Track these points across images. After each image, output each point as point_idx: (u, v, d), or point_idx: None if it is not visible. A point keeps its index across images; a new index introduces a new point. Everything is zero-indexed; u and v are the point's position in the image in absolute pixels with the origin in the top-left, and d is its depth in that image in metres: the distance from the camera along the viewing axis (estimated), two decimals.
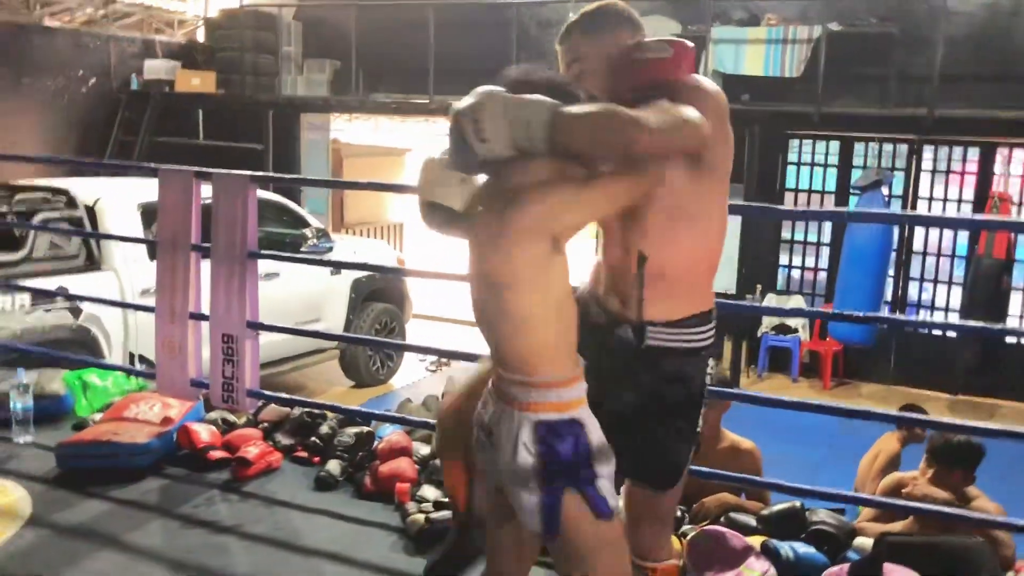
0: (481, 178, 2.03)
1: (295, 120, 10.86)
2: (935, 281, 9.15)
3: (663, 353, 2.07)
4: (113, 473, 3.56)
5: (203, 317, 3.72)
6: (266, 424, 3.96)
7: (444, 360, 9.15)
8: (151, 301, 5.55)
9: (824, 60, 8.33)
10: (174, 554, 3.04)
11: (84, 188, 6.06)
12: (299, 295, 7.13)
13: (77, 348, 5.66)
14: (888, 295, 9.05)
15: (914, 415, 4.35)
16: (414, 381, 8.60)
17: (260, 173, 3.65)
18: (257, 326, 3.62)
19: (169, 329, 3.74)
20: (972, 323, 6.36)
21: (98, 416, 4.07)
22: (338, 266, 6.32)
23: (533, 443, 1.80)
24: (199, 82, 10.81)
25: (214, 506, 3.40)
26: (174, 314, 3.72)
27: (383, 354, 8.32)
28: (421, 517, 3.15)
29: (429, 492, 3.33)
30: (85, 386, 4.35)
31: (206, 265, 3.72)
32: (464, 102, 1.84)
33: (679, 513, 3.10)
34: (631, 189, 1.93)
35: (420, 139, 13.03)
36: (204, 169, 3.69)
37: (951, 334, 9.13)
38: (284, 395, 3.88)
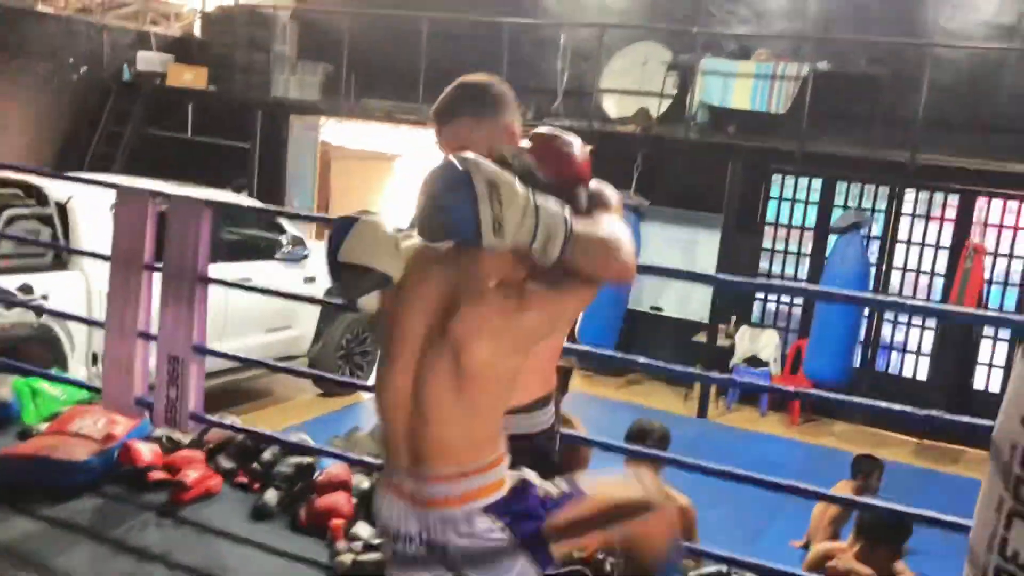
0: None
1: (284, 120, 10.85)
2: (908, 324, 9.18)
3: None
4: (50, 490, 3.54)
5: (152, 336, 3.71)
6: (211, 445, 3.95)
7: None
8: None
9: (811, 98, 8.36)
10: None
11: (57, 186, 6.03)
12: (270, 302, 7.11)
13: (39, 346, 5.64)
14: (862, 335, 9.08)
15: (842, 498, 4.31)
16: None
17: (217, 200, 3.64)
18: (203, 351, 3.61)
19: (118, 346, 3.73)
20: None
21: (44, 426, 4.06)
22: (283, 297, 6.25)
23: (495, 527, 1.77)
24: (191, 77, 10.79)
25: (147, 531, 3.38)
26: (123, 331, 3.72)
27: (353, 363, 8.31)
28: (348, 558, 3.14)
29: (363, 530, 3.33)
30: (35, 393, 4.33)
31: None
32: (481, 177, 1.66)
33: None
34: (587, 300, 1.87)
35: (409, 146, 13.02)
36: (160, 191, 3.68)
37: (921, 377, 9.17)
38: (225, 421, 3.87)
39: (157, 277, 3.68)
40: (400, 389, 1.82)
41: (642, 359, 3.40)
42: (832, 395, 3.33)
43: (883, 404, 3.03)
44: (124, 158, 10.41)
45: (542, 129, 2.01)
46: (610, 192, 2.00)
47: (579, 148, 1.95)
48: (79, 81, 10.58)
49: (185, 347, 3.56)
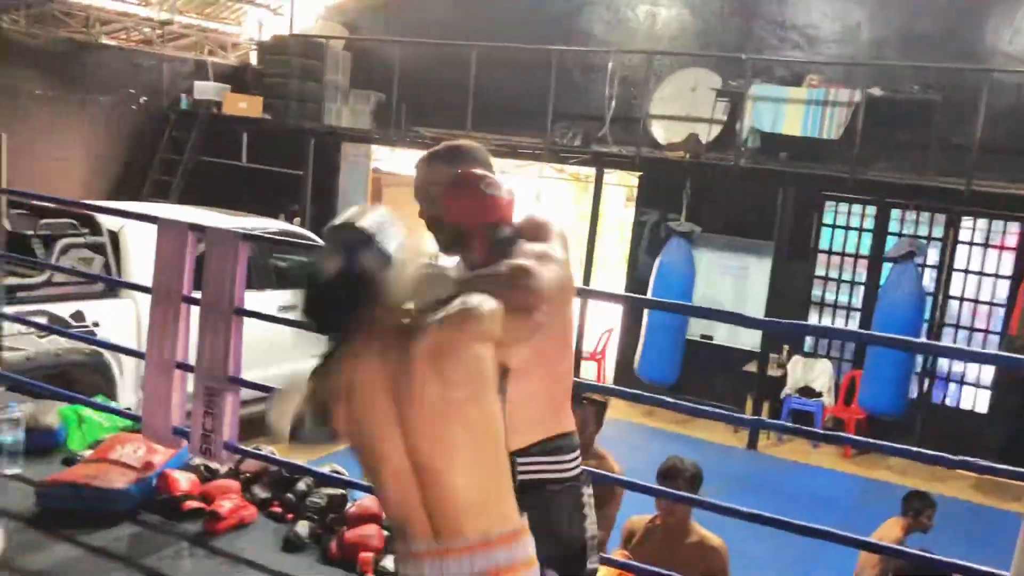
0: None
1: (336, 148, 11.01)
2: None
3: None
4: (89, 516, 3.61)
5: (190, 367, 3.77)
6: (247, 475, 3.99)
7: None
8: None
9: (864, 124, 8.22)
10: None
11: (113, 216, 6.18)
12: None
13: (90, 372, 5.77)
14: (918, 366, 8.85)
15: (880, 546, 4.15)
16: None
17: (252, 232, 3.69)
18: (239, 382, 3.66)
19: (156, 376, 3.80)
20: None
21: (88, 452, 4.14)
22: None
23: None
24: (246, 105, 11.03)
25: (181, 560, 3.42)
26: (162, 362, 3.78)
27: None
28: None
29: (392, 564, 3.32)
30: (80, 420, 4.43)
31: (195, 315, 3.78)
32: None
33: None
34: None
35: None
36: (198, 223, 3.75)
37: (980, 410, 8.89)
38: (262, 451, 3.91)
39: (195, 309, 3.74)
40: (402, 469, 1.73)
41: (687, 404, 3.37)
42: (883, 443, 3.21)
43: (933, 453, 2.95)
44: (180, 185, 10.66)
45: (474, 170, 2.06)
46: (540, 222, 2.07)
47: (503, 190, 2.04)
48: (139, 111, 10.89)
49: (221, 378, 3.61)
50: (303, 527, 3.59)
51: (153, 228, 6.12)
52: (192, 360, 3.75)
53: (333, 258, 1.76)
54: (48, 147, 9.52)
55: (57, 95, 9.94)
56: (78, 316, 5.70)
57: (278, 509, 3.80)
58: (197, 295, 3.78)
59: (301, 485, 3.82)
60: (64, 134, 9.94)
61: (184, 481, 3.82)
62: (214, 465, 4.00)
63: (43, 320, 5.46)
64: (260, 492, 3.87)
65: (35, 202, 6.37)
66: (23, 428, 4.05)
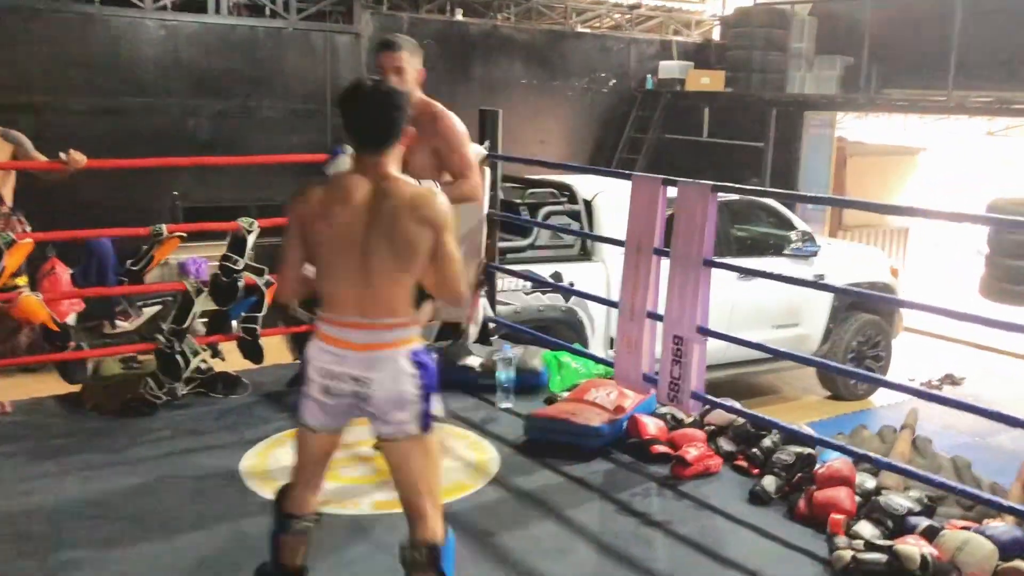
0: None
1: (798, 118, 10.67)
2: None
3: None
4: (567, 449, 3.92)
5: (658, 317, 3.90)
6: (712, 427, 4.04)
7: (938, 381, 8.40)
8: None
9: None
10: (603, 537, 3.28)
11: (585, 184, 6.64)
12: (778, 298, 7.05)
13: (565, 327, 6.26)
14: None
15: None
16: (897, 402, 8.01)
17: (722, 183, 3.70)
18: (706, 332, 3.70)
19: (628, 326, 3.98)
20: None
21: (565, 394, 4.50)
22: (792, 282, 6.04)
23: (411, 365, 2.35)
24: (708, 81, 11.15)
25: (648, 498, 3.57)
26: (633, 312, 3.95)
27: (864, 367, 7.87)
28: (848, 554, 2.99)
29: (865, 529, 3.15)
30: (560, 365, 4.83)
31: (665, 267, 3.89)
32: None
33: None
34: None
35: (936, 137, 12.00)
36: (670, 177, 3.85)
37: None
38: (726, 402, 3.91)
39: (665, 262, 3.86)
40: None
41: None
42: None
43: None
44: (645, 162, 11.10)
45: None
46: None
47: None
48: (608, 93, 11.54)
49: (689, 328, 3.68)
50: (770, 482, 3.54)
51: (622, 196, 6.51)
52: (662, 310, 3.87)
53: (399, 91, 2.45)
54: (532, 131, 10.48)
55: (539, 82, 10.91)
56: (556, 277, 6.20)
57: (743, 463, 3.80)
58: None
59: (767, 441, 3.77)
60: (544, 118, 10.88)
61: (652, 426, 3.98)
62: (679, 414, 4.11)
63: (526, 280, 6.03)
64: (725, 444, 3.89)
65: (524, 176, 7.08)
66: (514, 368, 4.52)
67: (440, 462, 2.49)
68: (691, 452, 3.76)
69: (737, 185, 4.43)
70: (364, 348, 2.33)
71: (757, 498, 3.52)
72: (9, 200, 4.10)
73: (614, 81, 11.55)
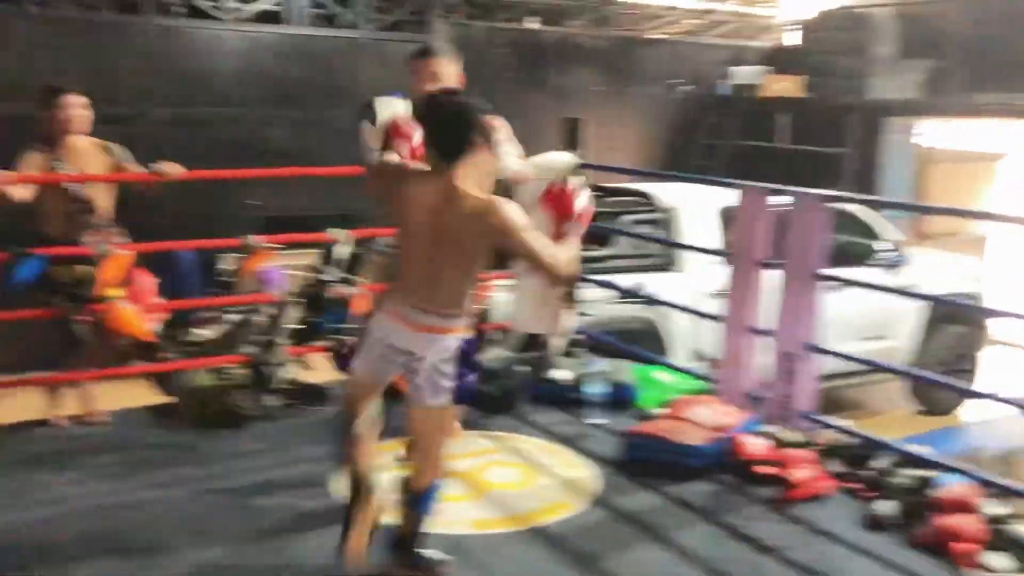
0: None
1: (879, 123, 10.37)
2: None
3: None
4: (668, 468, 3.78)
5: (763, 332, 3.75)
6: (820, 447, 3.87)
7: None
8: (721, 304, 5.83)
9: None
10: (714, 563, 3.13)
11: (666, 192, 6.49)
12: (865, 310, 6.80)
13: (647, 340, 6.11)
14: None
15: None
16: (990, 419, 7.69)
17: (834, 192, 3.55)
18: (817, 349, 3.54)
19: (734, 340, 3.85)
20: None
21: (659, 410, 4.36)
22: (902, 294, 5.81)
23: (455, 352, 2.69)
24: (785, 86, 10.91)
25: (757, 522, 3.42)
26: (738, 326, 3.82)
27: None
28: None
29: (999, 561, 2.97)
30: (651, 380, 4.69)
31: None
32: None
33: None
34: None
35: (1017, 143, 11.58)
36: (781, 187, 3.70)
37: None
38: (840, 423, 3.75)
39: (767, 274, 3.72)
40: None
41: None
42: None
43: None
44: (720, 170, 10.89)
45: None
46: None
47: None
48: (681, 99, 11.36)
49: (800, 344, 3.53)
50: (888, 507, 3.37)
51: (703, 204, 6.35)
52: (765, 324, 3.73)
53: (471, 106, 2.61)
54: (605, 138, 10.34)
55: (611, 89, 10.78)
56: (637, 287, 6.05)
57: (855, 485, 3.63)
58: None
59: (881, 463, 3.60)
60: (617, 125, 10.73)
61: (757, 445, 3.83)
62: (785, 434, 3.95)
63: (606, 290, 5.89)
64: (835, 466, 3.72)
65: (601, 184, 6.95)
66: (604, 382, 4.40)
67: (450, 428, 2.85)
68: (800, 474, 3.59)
69: (850, 195, 4.24)
70: (420, 329, 2.62)
71: (874, 523, 3.35)
72: (108, 212, 4.11)
73: (687, 87, 11.37)
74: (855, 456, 3.71)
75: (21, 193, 3.84)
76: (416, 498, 2.82)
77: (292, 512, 3.39)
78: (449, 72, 3.46)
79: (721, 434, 3.89)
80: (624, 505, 3.53)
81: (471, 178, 2.60)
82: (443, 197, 2.56)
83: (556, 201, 2.89)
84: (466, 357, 2.77)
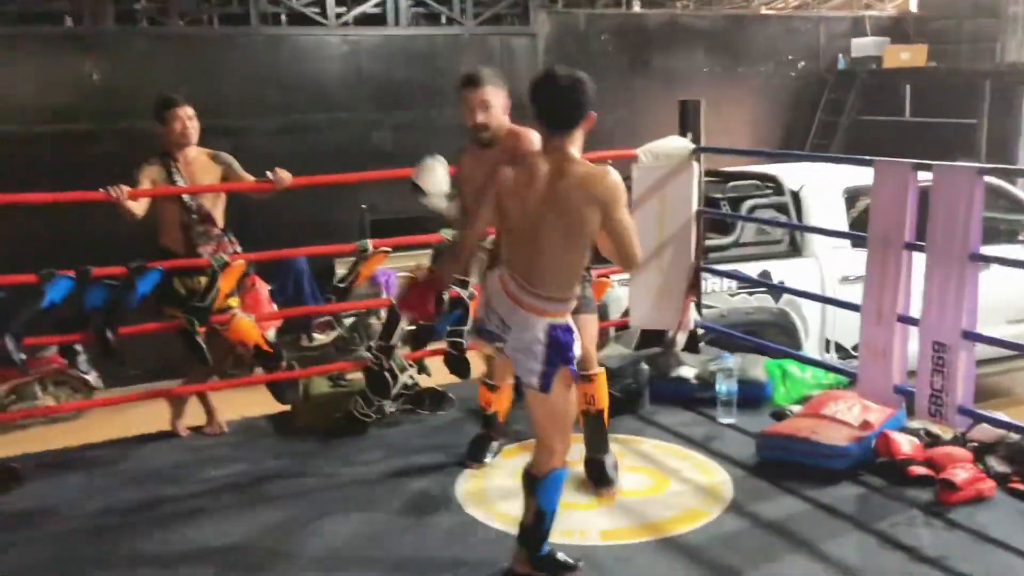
0: None
1: (1016, 89, 9.67)
2: None
3: None
4: (809, 471, 3.52)
5: (912, 320, 3.44)
6: (976, 444, 3.54)
7: None
8: (850, 289, 5.46)
9: None
10: (867, 574, 2.87)
11: (791, 174, 6.14)
12: (1013, 290, 6.30)
13: (776, 331, 5.79)
14: None
15: None
16: None
17: (989, 165, 3.20)
18: (974, 337, 3.22)
19: (874, 331, 3.54)
20: None
21: (795, 407, 4.09)
22: None
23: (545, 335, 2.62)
24: (908, 56, 10.30)
25: (915, 528, 3.13)
26: (881, 315, 3.51)
27: None
28: None
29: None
30: (784, 375, 4.41)
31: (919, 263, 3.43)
32: None
33: None
34: None
35: None
36: (923, 161, 3.38)
37: None
38: (1001, 416, 3.41)
39: (918, 257, 3.40)
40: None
41: None
42: None
43: None
44: (839, 146, 10.38)
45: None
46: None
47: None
48: (796, 76, 10.87)
49: (953, 333, 3.21)
50: None
51: (830, 186, 5.98)
52: (916, 313, 3.41)
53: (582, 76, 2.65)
54: (716, 121, 9.91)
55: (722, 70, 10.39)
56: (764, 276, 5.75)
57: (1020, 486, 3.29)
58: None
59: None
60: (728, 107, 10.33)
61: (906, 444, 3.53)
62: (935, 429, 3.63)
63: (731, 280, 5.61)
64: (997, 464, 3.39)
65: (721, 169, 6.67)
66: (736, 379, 4.15)
67: (565, 417, 2.74)
68: (959, 474, 3.28)
69: (1005, 166, 3.85)
70: (516, 303, 2.62)
71: None
72: (221, 222, 4.11)
73: (802, 63, 10.88)
74: (1018, 453, 3.37)
75: (138, 207, 3.87)
76: (534, 485, 2.77)
77: (416, 523, 3.29)
78: (498, 100, 3.42)
79: (866, 432, 3.60)
80: (763, 512, 3.28)
81: (578, 150, 2.67)
82: (553, 169, 2.61)
83: None
84: (562, 348, 2.63)
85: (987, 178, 4.74)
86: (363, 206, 8.50)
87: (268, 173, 4.00)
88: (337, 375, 4.42)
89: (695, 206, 4.58)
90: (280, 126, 8.34)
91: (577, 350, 2.70)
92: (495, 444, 3.81)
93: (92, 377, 6.73)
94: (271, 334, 5.59)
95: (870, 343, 3.58)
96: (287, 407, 4.29)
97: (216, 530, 3.28)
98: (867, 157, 3.70)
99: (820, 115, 10.80)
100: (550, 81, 2.65)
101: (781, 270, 5.82)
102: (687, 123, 4.88)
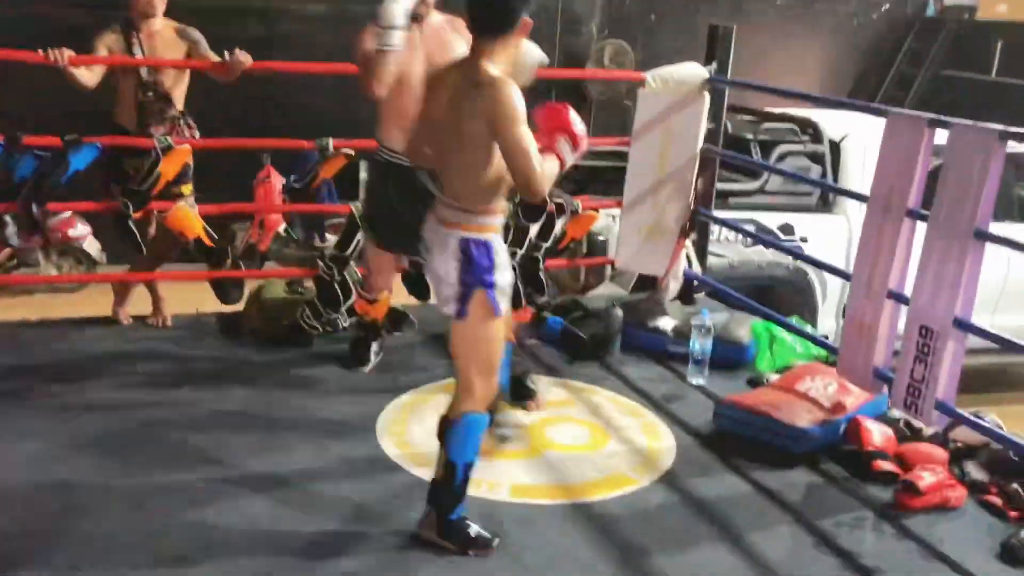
0: None
1: None
2: None
3: None
4: (764, 449, 3.18)
5: (904, 299, 3.02)
6: (958, 445, 3.14)
7: None
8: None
9: None
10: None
11: (834, 122, 5.61)
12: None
13: (790, 290, 5.36)
14: None
15: None
16: None
17: (1014, 129, 2.73)
18: (966, 327, 2.79)
19: (862, 305, 3.14)
20: None
21: (775, 376, 3.72)
22: None
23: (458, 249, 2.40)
24: (1006, 9, 9.42)
25: (859, 532, 2.78)
26: (870, 288, 3.10)
27: None
28: None
29: None
30: (772, 339, 4.03)
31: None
32: None
33: None
34: None
35: None
36: (939, 116, 2.92)
37: None
38: (986, 419, 3.00)
39: (921, 227, 2.96)
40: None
41: None
42: None
43: None
44: (915, 101, 9.61)
45: None
46: None
47: None
48: (878, 19, 10.06)
49: (943, 318, 2.79)
50: None
51: (878, 141, 5.44)
52: (908, 290, 2.99)
53: None
54: (785, 59, 9.33)
55: (797, 5, 9.65)
56: (786, 229, 5.29)
57: (995, 499, 2.90)
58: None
59: None
60: (799, 45, 9.63)
61: (878, 434, 3.15)
62: (918, 424, 3.23)
63: (751, 229, 5.17)
64: (974, 472, 3.01)
65: (761, 109, 6.15)
66: (712, 338, 3.79)
67: (486, 352, 2.47)
68: (925, 477, 2.89)
69: None
70: (435, 218, 2.45)
71: (1012, 554, 2.64)
72: (180, 103, 3.83)
73: (887, 6, 10.04)
74: (1000, 462, 2.97)
75: (87, 76, 3.60)
76: (446, 430, 2.49)
77: (325, 453, 3.04)
78: None
79: (836, 416, 3.23)
80: (697, 489, 2.96)
81: (500, 64, 2.37)
82: (462, 75, 2.38)
83: (550, 113, 2.44)
84: (476, 266, 2.38)
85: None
86: None
87: (226, 53, 3.69)
88: (295, 281, 4.16)
89: (700, 143, 4.14)
90: (320, 13, 7.96)
91: (500, 277, 2.42)
92: (375, 344, 3.73)
93: (95, 250, 6.68)
94: (281, 229, 5.38)
95: (855, 318, 3.18)
96: (235, 308, 4.06)
97: (105, 427, 3.09)
98: (882, 107, 3.24)
99: (899, 65, 10.00)
100: None
101: (806, 225, 5.36)
102: (714, 50, 4.39)
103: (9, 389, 3.31)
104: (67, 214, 5.71)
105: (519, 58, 2.54)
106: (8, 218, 3.51)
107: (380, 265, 3.64)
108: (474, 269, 2.38)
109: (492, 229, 2.43)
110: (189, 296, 4.21)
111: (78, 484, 2.73)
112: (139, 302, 4.11)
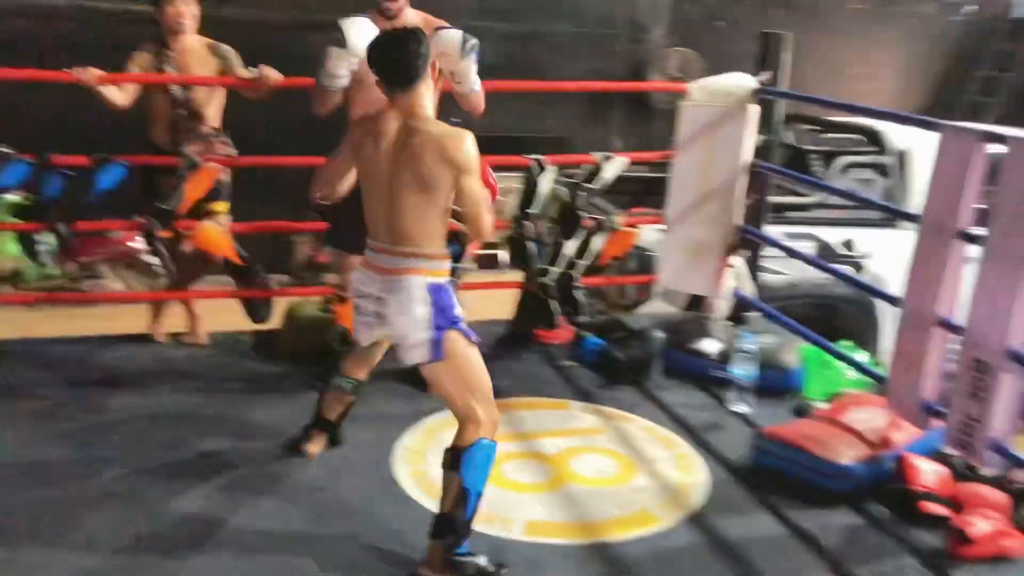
0: None
1: None
2: None
3: None
4: (803, 487, 2.96)
5: (957, 328, 2.78)
6: (1017, 488, 2.87)
7: None
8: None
9: None
10: None
11: (899, 131, 5.31)
12: None
13: (853, 310, 5.07)
14: None
15: None
16: None
17: None
18: (1022, 359, 2.55)
19: (910, 335, 2.90)
20: None
21: (823, 406, 3.49)
22: None
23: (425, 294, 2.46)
24: None
25: None
26: (920, 316, 2.86)
27: None
28: None
29: None
30: (823, 364, 3.79)
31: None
32: None
33: None
34: None
35: None
36: (995, 129, 2.68)
37: None
38: None
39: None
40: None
41: None
42: None
43: None
44: (1002, 108, 9.12)
45: None
46: None
47: None
48: (962, 21, 9.59)
49: (997, 350, 2.55)
50: None
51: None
52: (962, 319, 2.75)
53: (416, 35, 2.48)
54: (860, 64, 8.97)
55: (874, 7, 9.26)
56: (848, 245, 5.02)
57: None
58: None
59: None
60: (877, 49, 9.24)
61: (929, 473, 2.91)
62: (974, 463, 2.97)
63: (810, 244, 4.91)
64: None
65: (824, 117, 5.89)
66: (756, 363, 3.58)
67: (475, 373, 2.48)
68: (979, 523, 2.65)
69: None
70: (386, 272, 2.48)
71: None
72: (215, 120, 3.80)
73: (973, 7, 9.56)
74: None
75: (119, 96, 3.60)
76: (457, 458, 2.42)
77: (340, 480, 2.95)
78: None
79: (882, 451, 2.99)
80: (726, 529, 2.77)
81: (429, 101, 2.53)
82: (401, 127, 2.47)
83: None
84: (445, 308, 2.45)
85: None
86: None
87: (252, 69, 3.64)
88: (329, 299, 4.09)
89: (746, 157, 3.93)
90: None
91: (461, 311, 2.50)
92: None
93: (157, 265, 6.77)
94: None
95: (903, 348, 2.94)
96: (269, 328, 4.01)
97: (137, 432, 3.08)
98: (932, 119, 3.00)
99: (985, 69, 9.51)
100: (379, 40, 2.55)
101: (870, 241, 5.08)
102: (768, 59, 4.17)
103: (41, 408, 3.31)
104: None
105: (444, 50, 2.78)
106: (39, 236, 3.52)
107: (348, 265, 3.35)
108: (445, 311, 2.44)
109: (446, 273, 2.52)
110: (229, 315, 4.18)
111: (96, 494, 2.71)
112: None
